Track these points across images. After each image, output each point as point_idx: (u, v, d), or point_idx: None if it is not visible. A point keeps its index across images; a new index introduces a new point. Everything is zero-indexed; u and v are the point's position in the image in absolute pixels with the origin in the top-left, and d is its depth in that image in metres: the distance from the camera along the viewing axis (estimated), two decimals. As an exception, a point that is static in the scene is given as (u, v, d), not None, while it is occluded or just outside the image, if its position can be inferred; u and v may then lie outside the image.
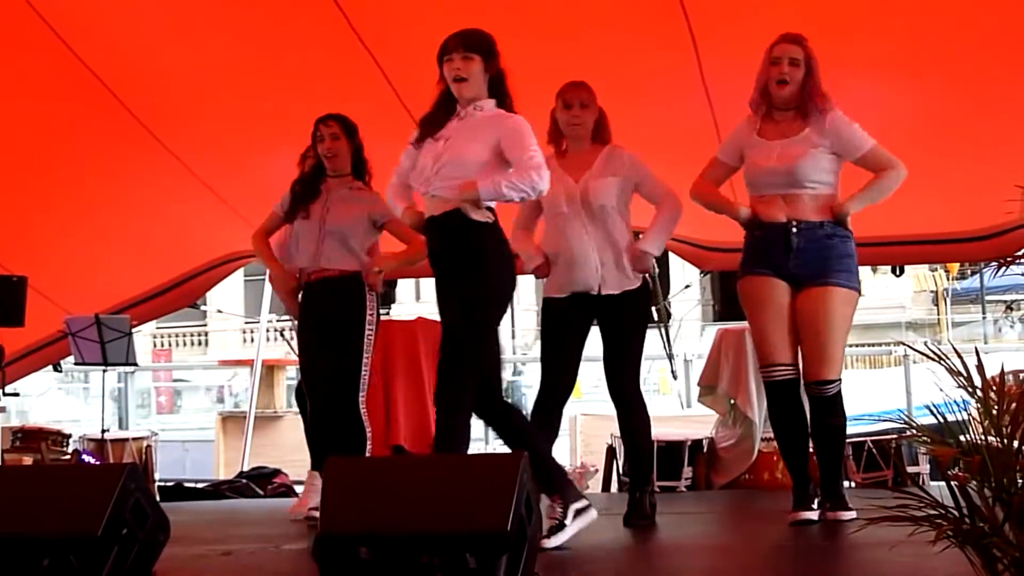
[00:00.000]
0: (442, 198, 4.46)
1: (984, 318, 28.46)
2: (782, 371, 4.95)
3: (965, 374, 2.58)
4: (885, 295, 29.45)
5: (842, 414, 4.96)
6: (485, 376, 4.49)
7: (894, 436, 6.75)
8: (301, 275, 5.69)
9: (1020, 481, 2.45)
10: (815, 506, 4.93)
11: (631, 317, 5.25)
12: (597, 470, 7.80)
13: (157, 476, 8.68)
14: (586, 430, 10.43)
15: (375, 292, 5.66)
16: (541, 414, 5.32)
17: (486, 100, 4.55)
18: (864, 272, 30.39)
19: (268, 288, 9.91)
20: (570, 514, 4.52)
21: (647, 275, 5.27)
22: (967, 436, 2.59)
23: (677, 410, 10.18)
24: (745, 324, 5.12)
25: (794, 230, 4.91)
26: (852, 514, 4.82)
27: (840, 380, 4.94)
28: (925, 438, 2.70)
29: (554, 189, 5.09)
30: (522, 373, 17.21)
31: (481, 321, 4.47)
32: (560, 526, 4.48)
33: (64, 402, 23.59)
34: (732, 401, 7.14)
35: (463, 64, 4.48)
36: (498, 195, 4.39)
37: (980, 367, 2.58)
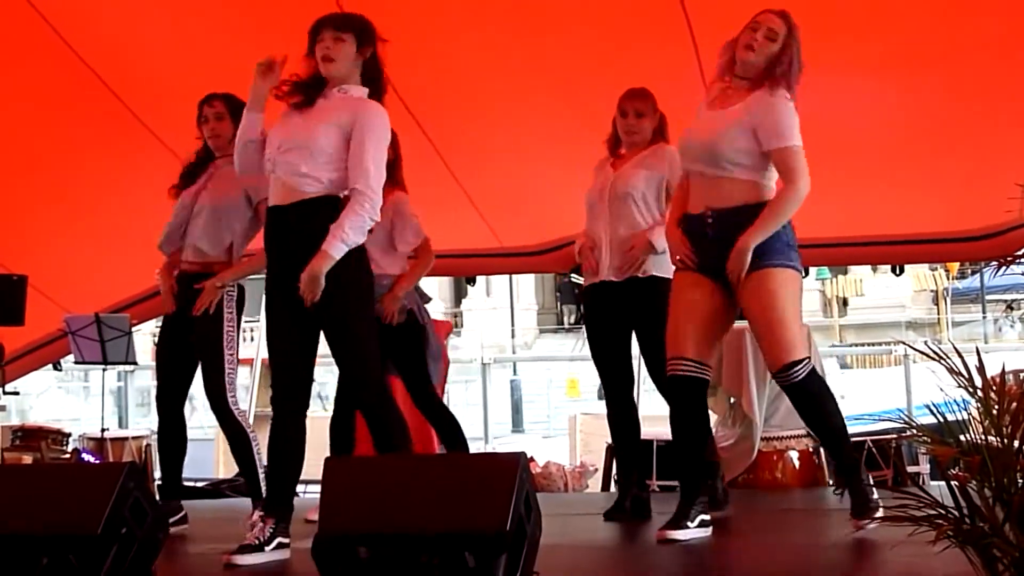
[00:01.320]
0: (287, 185, 4.38)
1: (984, 317, 28.50)
2: (684, 366, 4.55)
3: (965, 374, 2.58)
4: (885, 294, 29.52)
5: (826, 397, 4.51)
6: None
7: (894, 436, 6.75)
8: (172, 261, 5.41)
9: (1020, 481, 2.45)
10: (691, 524, 4.56)
11: (636, 306, 5.28)
12: (596, 469, 7.81)
13: (156, 475, 8.69)
14: (586, 429, 10.46)
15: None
16: (610, 407, 5.51)
17: (355, 85, 4.45)
18: (864, 271, 30.50)
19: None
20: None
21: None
22: (967, 436, 2.59)
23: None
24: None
25: (709, 220, 4.53)
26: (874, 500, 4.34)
27: (807, 360, 4.46)
28: (925, 438, 2.70)
29: (595, 183, 5.40)
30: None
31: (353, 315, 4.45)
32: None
33: (64, 401, 23.60)
34: (732, 400, 7.13)
35: (333, 44, 4.37)
36: (349, 246, 4.28)
37: (980, 367, 2.57)
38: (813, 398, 4.50)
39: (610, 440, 7.46)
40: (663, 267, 5.20)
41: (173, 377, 5.42)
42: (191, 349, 5.30)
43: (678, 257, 4.64)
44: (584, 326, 5.56)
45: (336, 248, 4.24)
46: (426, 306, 6.03)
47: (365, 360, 4.45)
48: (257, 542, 4.31)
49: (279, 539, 4.37)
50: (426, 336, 5.80)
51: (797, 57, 4.49)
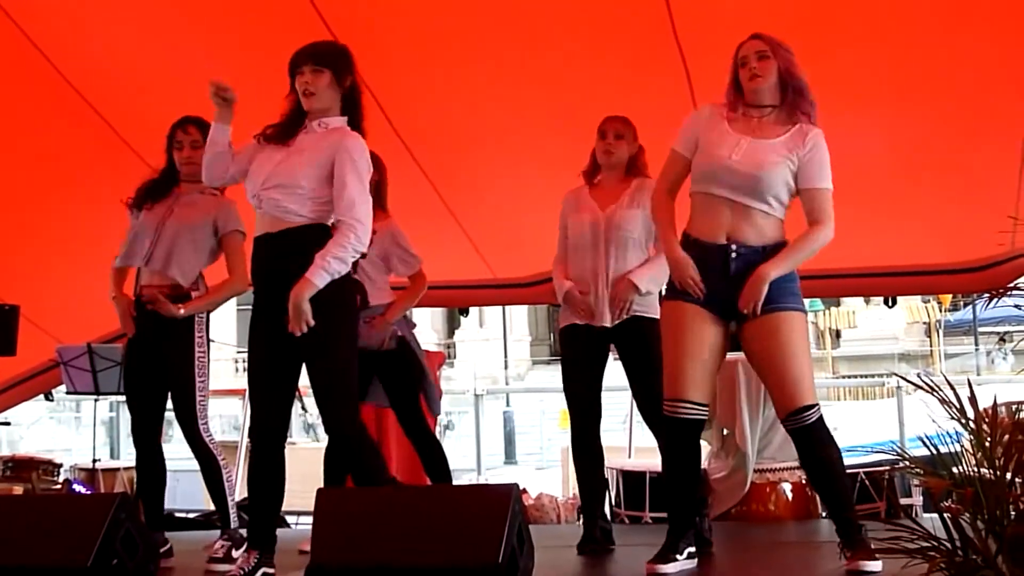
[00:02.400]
0: (272, 216, 4.41)
1: (977, 349, 28.54)
2: (684, 409, 4.44)
3: (958, 405, 2.58)
4: (878, 326, 29.56)
5: (832, 443, 4.43)
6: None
7: (887, 468, 6.74)
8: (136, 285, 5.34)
9: (1013, 513, 2.45)
10: (680, 557, 4.49)
11: (625, 348, 5.31)
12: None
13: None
14: (579, 461, 10.41)
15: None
16: (577, 443, 5.45)
17: (336, 116, 4.48)
18: (856, 303, 30.57)
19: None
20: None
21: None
22: (960, 468, 2.59)
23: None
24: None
25: (733, 255, 4.39)
26: (877, 565, 4.09)
27: (818, 405, 4.42)
28: (918, 470, 2.70)
29: (580, 218, 5.34)
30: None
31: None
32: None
33: (55, 431, 23.54)
34: (725, 432, 7.13)
35: (312, 78, 4.41)
36: (332, 275, 4.28)
37: (973, 399, 2.58)
38: (823, 445, 4.41)
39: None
40: (648, 306, 5.24)
41: (145, 406, 5.33)
42: (161, 377, 5.24)
43: (681, 283, 4.45)
44: (562, 361, 5.51)
45: (319, 276, 4.24)
46: (417, 335, 6.00)
47: (345, 392, 4.41)
48: (242, 573, 4.28)
49: (263, 569, 4.32)
50: (420, 364, 5.79)
51: (795, 66, 4.44)
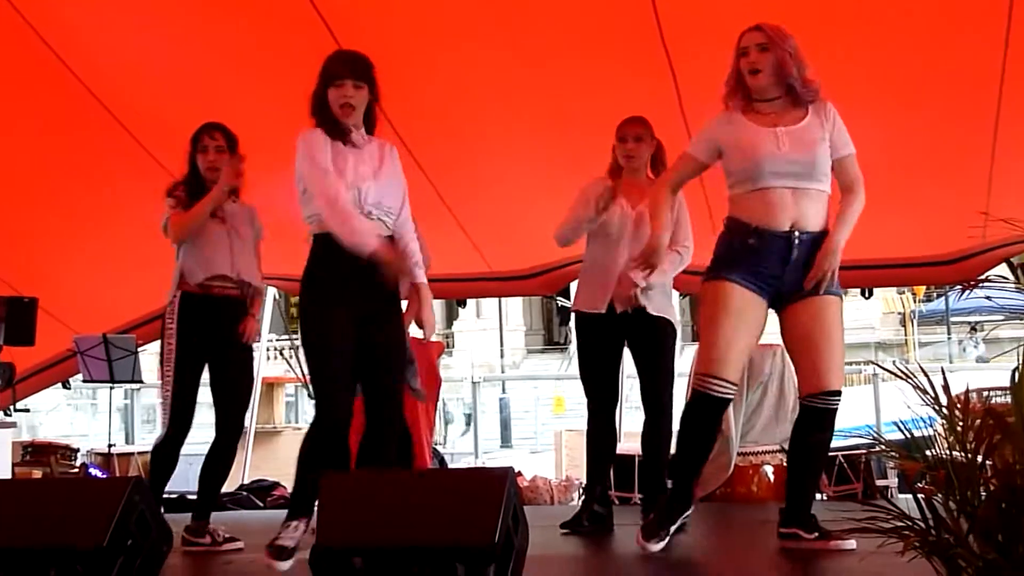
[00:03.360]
0: (383, 223, 4.45)
1: (949, 339, 28.58)
2: (725, 389, 4.34)
3: (931, 392, 2.58)
4: (855, 316, 29.54)
5: (832, 430, 4.46)
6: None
7: (864, 451, 6.76)
8: (213, 285, 5.26)
9: (983, 494, 2.45)
10: (670, 533, 4.47)
11: (645, 345, 5.39)
12: (581, 483, 7.79)
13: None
14: (571, 445, 10.43)
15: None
16: (596, 425, 5.47)
17: (361, 125, 4.50)
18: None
19: (269, 307, 9.88)
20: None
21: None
22: (933, 451, 2.59)
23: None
24: None
25: (796, 241, 4.32)
26: (852, 543, 4.18)
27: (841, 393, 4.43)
28: (893, 453, 2.70)
29: (619, 214, 5.34)
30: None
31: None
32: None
33: (72, 418, 23.54)
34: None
35: (354, 93, 4.40)
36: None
37: (946, 386, 2.57)
38: (827, 428, 4.42)
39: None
40: (663, 308, 5.35)
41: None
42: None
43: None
44: (578, 348, 5.52)
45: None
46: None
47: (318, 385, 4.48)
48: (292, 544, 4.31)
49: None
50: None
51: (796, 53, 4.39)
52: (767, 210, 4.33)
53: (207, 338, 5.21)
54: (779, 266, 4.34)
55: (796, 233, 4.32)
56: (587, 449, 5.55)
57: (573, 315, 5.55)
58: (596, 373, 5.46)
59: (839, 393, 4.36)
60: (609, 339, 5.42)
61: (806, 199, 4.34)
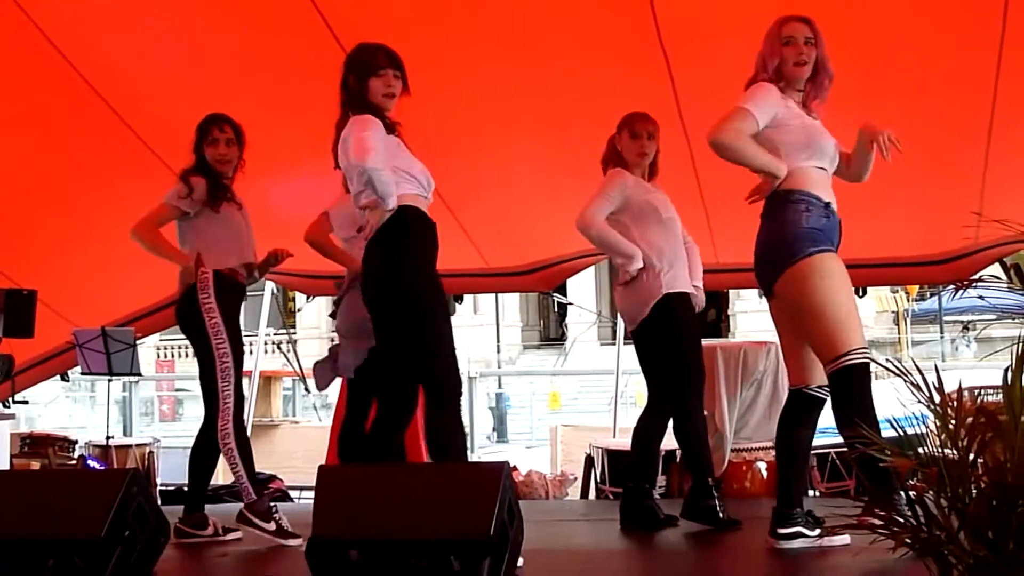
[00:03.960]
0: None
1: (942, 337, 28.58)
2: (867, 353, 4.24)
3: (924, 390, 2.58)
4: (849, 315, 29.52)
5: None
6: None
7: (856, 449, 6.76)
8: (237, 271, 5.28)
9: (974, 491, 2.46)
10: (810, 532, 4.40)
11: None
12: (576, 478, 7.80)
13: (159, 481, 8.65)
14: (566, 440, 10.44)
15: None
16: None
17: None
18: (829, 293, 30.33)
19: (267, 302, 9.89)
20: None
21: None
22: (925, 448, 2.59)
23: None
24: (715, 341, 4.90)
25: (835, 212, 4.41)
26: (846, 539, 4.24)
27: None
28: (886, 450, 2.70)
29: (647, 197, 5.29)
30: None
31: None
32: None
33: (71, 410, 23.51)
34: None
35: (395, 83, 4.45)
36: None
37: (939, 383, 2.58)
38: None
39: (588, 451, 7.49)
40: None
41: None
42: None
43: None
44: (690, 329, 5.37)
45: None
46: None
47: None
48: None
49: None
50: None
51: (827, 57, 4.44)
52: (824, 190, 4.37)
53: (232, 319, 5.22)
54: (838, 243, 4.37)
55: (834, 204, 4.38)
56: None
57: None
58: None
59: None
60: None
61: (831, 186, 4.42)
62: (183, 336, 5.30)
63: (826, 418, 4.50)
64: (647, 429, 5.39)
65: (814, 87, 4.44)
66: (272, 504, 5.19)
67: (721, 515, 5.13)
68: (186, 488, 5.52)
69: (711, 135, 4.28)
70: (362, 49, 4.51)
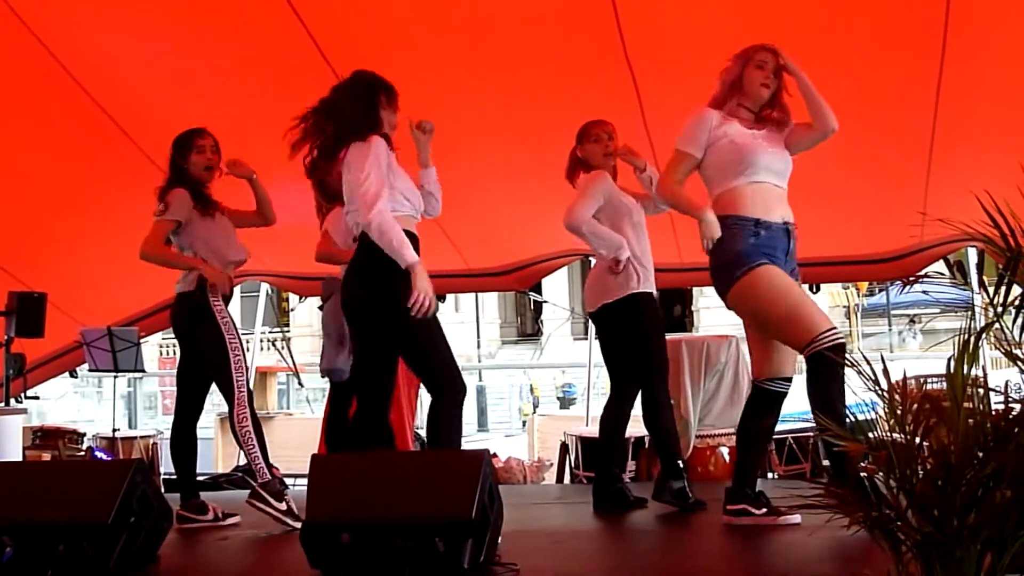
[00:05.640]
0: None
1: (890, 330, 28.68)
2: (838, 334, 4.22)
3: (873, 379, 2.59)
4: (804, 310, 29.61)
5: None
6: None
7: (812, 433, 6.78)
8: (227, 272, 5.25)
9: (921, 473, 2.46)
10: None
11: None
12: (552, 464, 7.80)
13: (162, 470, 8.61)
14: (542, 429, 10.43)
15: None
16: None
17: None
18: (786, 290, 30.51)
19: (262, 302, 9.86)
20: None
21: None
22: (875, 433, 2.60)
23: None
24: (680, 335, 4.91)
25: (792, 232, 4.41)
26: (797, 518, 4.30)
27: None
28: (839, 435, 2.71)
29: (622, 199, 5.31)
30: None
31: None
32: None
33: (79, 404, 23.38)
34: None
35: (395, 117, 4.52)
36: None
37: (886, 373, 2.58)
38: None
39: (563, 439, 7.49)
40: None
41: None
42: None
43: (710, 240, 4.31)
44: (658, 328, 5.34)
45: None
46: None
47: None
48: None
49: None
50: None
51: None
52: (762, 204, 4.36)
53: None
54: (783, 256, 4.36)
55: (788, 224, 4.39)
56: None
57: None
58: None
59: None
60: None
61: (783, 197, 4.43)
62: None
63: (786, 405, 4.52)
64: (613, 417, 5.42)
65: (767, 113, 4.50)
66: (284, 485, 5.20)
67: (690, 497, 5.15)
68: (199, 478, 5.53)
69: (658, 192, 4.72)
70: (371, 75, 4.48)
